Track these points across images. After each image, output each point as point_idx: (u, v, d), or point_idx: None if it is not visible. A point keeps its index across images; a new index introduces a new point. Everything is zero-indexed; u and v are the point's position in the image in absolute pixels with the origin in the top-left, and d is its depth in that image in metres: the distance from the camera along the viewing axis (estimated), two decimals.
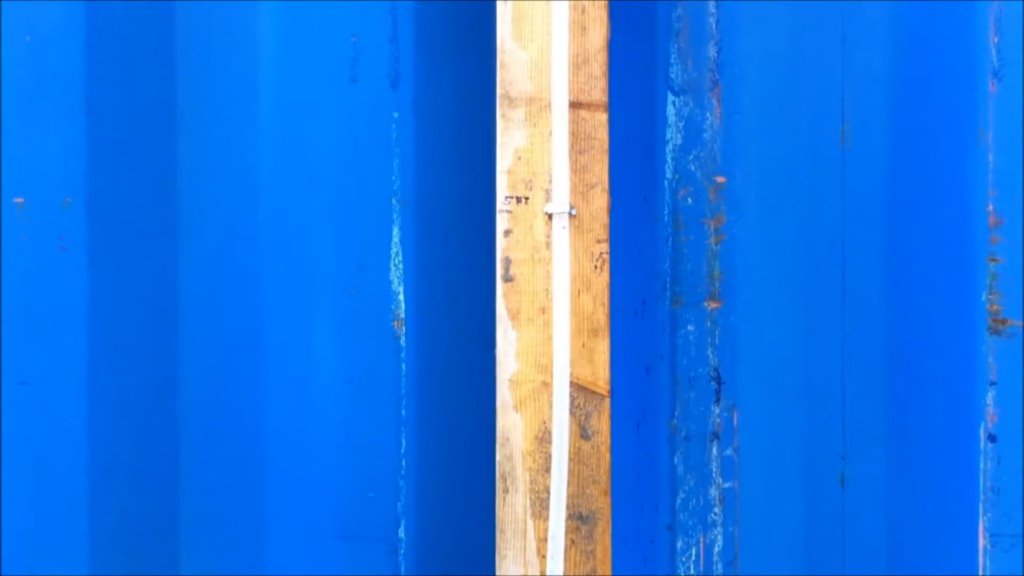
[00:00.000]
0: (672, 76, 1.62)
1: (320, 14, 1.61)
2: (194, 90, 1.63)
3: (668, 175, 1.64)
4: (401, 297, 1.63)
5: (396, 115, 1.61)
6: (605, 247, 1.47)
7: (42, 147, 1.61)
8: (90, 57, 1.61)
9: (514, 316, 1.46)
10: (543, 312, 1.46)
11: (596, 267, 1.47)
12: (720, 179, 1.62)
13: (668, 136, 1.63)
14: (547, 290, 1.45)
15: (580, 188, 1.46)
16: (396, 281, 1.63)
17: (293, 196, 1.62)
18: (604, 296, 1.47)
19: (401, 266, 1.62)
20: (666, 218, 1.64)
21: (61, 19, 1.60)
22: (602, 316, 1.47)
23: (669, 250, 1.64)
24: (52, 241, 1.61)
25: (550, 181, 1.45)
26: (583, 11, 1.45)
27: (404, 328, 1.63)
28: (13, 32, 1.61)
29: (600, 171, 1.47)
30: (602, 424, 1.47)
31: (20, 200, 1.61)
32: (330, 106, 1.62)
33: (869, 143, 1.61)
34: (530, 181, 1.46)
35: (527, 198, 1.46)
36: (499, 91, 1.46)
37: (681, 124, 1.63)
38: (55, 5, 1.61)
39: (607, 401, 1.47)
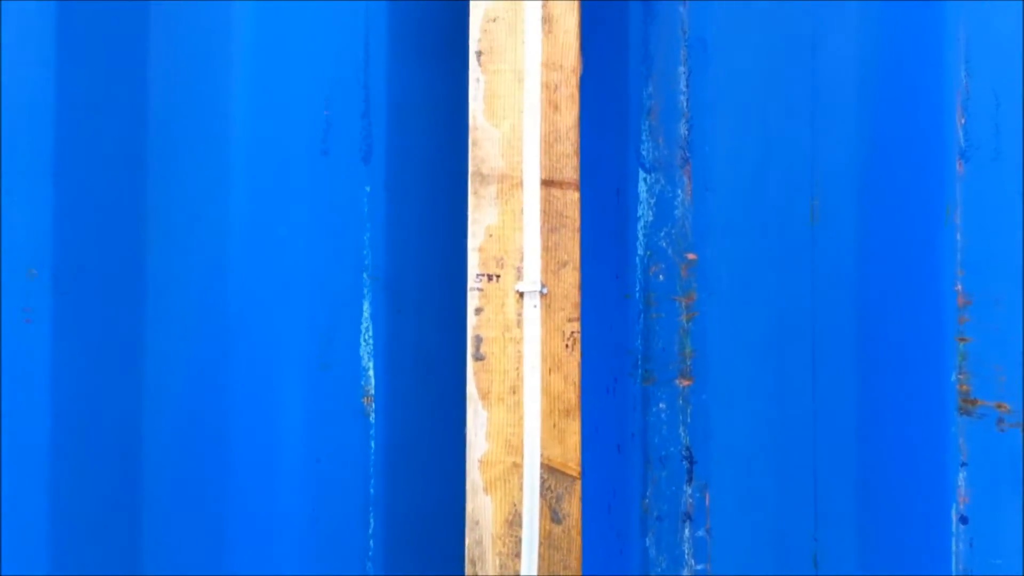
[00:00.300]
0: (643, 153, 1.62)
1: (292, 87, 1.61)
2: (165, 161, 1.62)
3: (640, 251, 1.63)
4: (371, 373, 1.61)
5: (368, 189, 1.61)
6: (576, 326, 1.46)
7: (8, 217, 1.58)
8: (59, 126, 1.59)
9: (484, 395, 1.44)
10: (514, 392, 1.44)
11: (567, 346, 1.45)
12: (691, 256, 1.62)
13: (640, 212, 1.63)
14: (518, 369, 1.44)
15: (551, 266, 1.45)
16: (366, 356, 1.61)
17: (263, 268, 1.61)
18: (575, 376, 1.46)
19: (371, 341, 1.61)
20: (637, 295, 1.63)
21: (31, 87, 1.59)
22: (573, 396, 1.45)
23: (640, 327, 1.63)
24: (17, 314, 1.59)
25: (521, 259, 1.44)
26: (555, 89, 1.46)
27: (373, 404, 1.61)
28: None
29: (572, 249, 1.47)
30: (573, 507, 1.44)
31: None
32: (301, 179, 1.61)
33: (838, 221, 1.62)
34: (501, 259, 1.45)
35: (498, 276, 1.45)
36: (471, 168, 1.46)
37: (652, 201, 1.63)
38: (25, 73, 1.59)
39: (578, 483, 1.44)
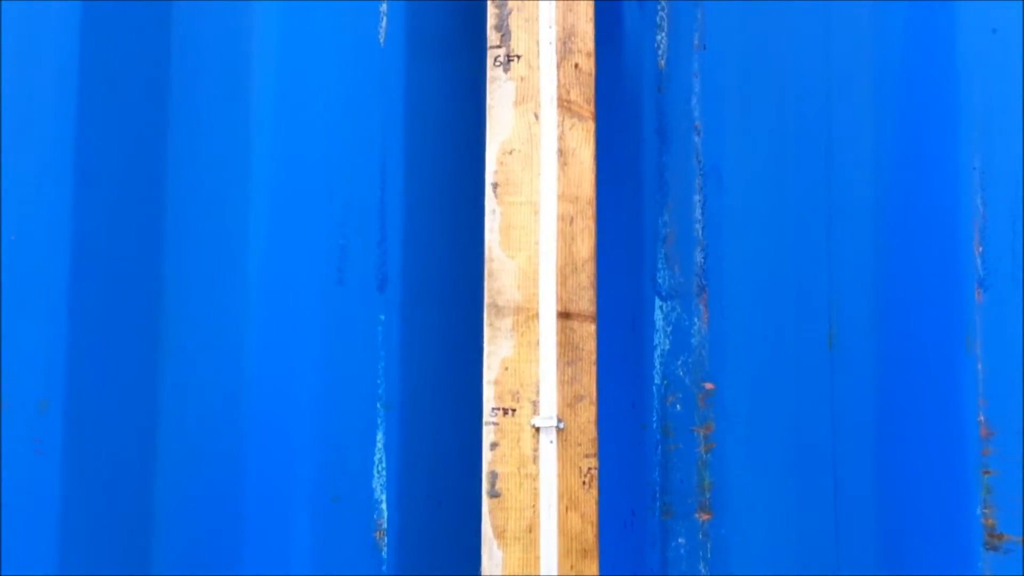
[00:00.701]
0: (659, 281, 1.61)
1: (309, 216, 1.60)
2: (180, 291, 1.61)
3: (657, 381, 1.61)
4: (384, 506, 1.56)
5: (382, 318, 1.59)
6: (594, 462, 1.42)
7: (22, 350, 1.56)
8: (75, 261, 1.57)
9: (500, 534, 1.40)
10: (530, 531, 1.39)
11: (584, 483, 1.41)
12: (709, 385, 1.59)
13: (656, 341, 1.60)
14: (534, 507, 1.39)
15: (568, 400, 1.42)
16: (379, 489, 1.56)
17: (276, 399, 1.58)
18: (593, 515, 1.41)
19: (385, 473, 1.57)
20: (655, 425, 1.60)
21: (47, 220, 1.57)
22: (591, 536, 1.41)
23: (659, 458, 1.60)
24: (28, 444, 1.55)
25: (537, 392, 1.42)
26: (571, 221, 1.45)
27: (386, 539, 1.56)
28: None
29: (588, 383, 1.44)
30: None
31: None
32: (316, 307, 1.59)
33: (856, 349, 1.59)
34: (517, 392, 1.42)
35: (514, 410, 1.42)
36: (487, 299, 1.44)
37: (669, 329, 1.61)
38: (41, 204, 1.58)
39: None
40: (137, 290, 1.59)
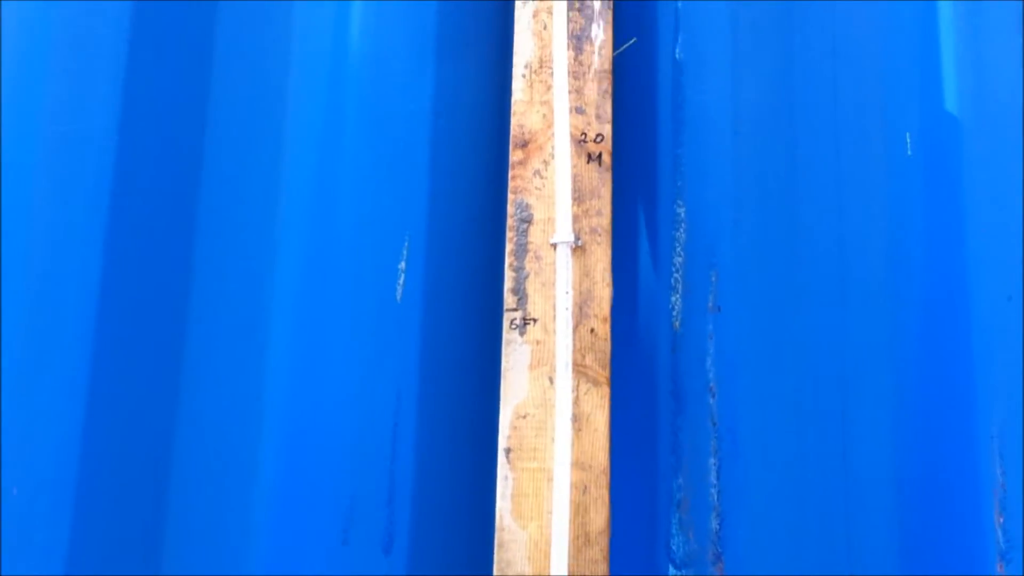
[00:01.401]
0: (673, 548, 1.55)
1: (316, 470, 1.53)
2: (182, 530, 1.54)
3: None
4: None
5: None
6: None
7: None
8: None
9: None
10: None
11: None
12: None
13: None
14: None
15: None
16: None
17: None
18: None
19: None
20: None
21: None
22: None
23: None
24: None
25: None
26: (584, 491, 1.40)
27: None
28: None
29: None
30: None
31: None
32: (320, 566, 1.51)
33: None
34: None
35: None
36: (496, 572, 1.37)
37: None
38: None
39: None
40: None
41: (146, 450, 1.55)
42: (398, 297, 1.56)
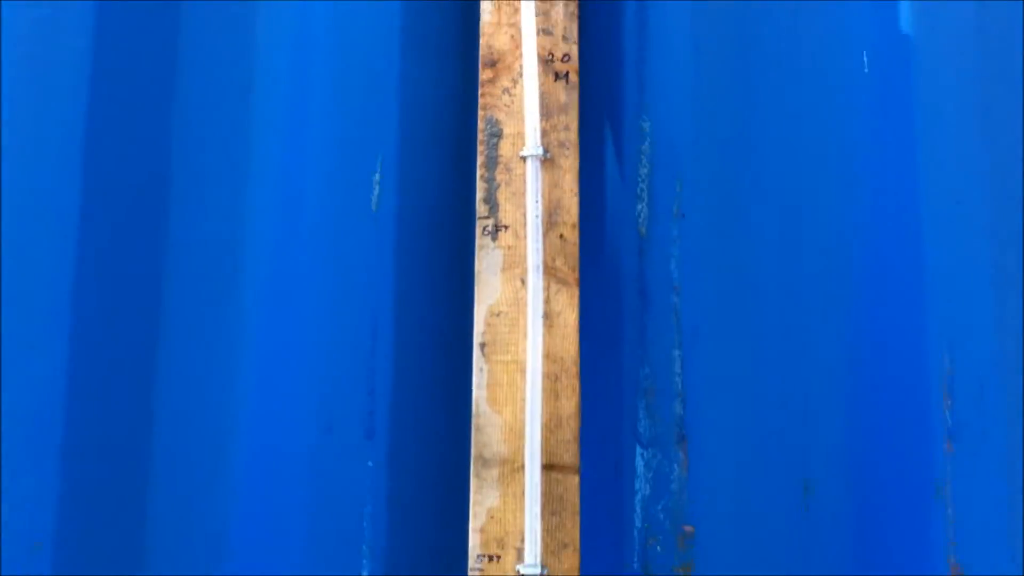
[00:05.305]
0: (641, 431, 1.70)
1: (299, 365, 1.67)
2: (167, 454, 1.66)
3: (638, 524, 1.68)
4: None
5: (370, 464, 1.66)
6: None
7: (13, 494, 1.60)
8: (69, 404, 1.63)
9: None
10: None
11: None
12: (688, 528, 1.67)
13: (637, 487, 1.69)
14: None
15: (552, 547, 1.50)
16: None
17: (261, 543, 1.64)
18: None
19: None
20: (636, 566, 1.67)
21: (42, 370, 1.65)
22: None
23: None
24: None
25: (522, 540, 1.50)
26: (556, 380, 1.55)
27: None
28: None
29: (572, 531, 1.52)
30: None
31: None
32: (304, 452, 1.65)
33: (832, 497, 1.66)
34: (502, 540, 1.50)
35: (499, 556, 1.50)
36: (474, 452, 1.53)
37: (650, 475, 1.69)
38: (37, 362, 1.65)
39: None
40: (125, 455, 1.65)
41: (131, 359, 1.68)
42: (374, 207, 1.70)
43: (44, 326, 1.64)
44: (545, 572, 1.49)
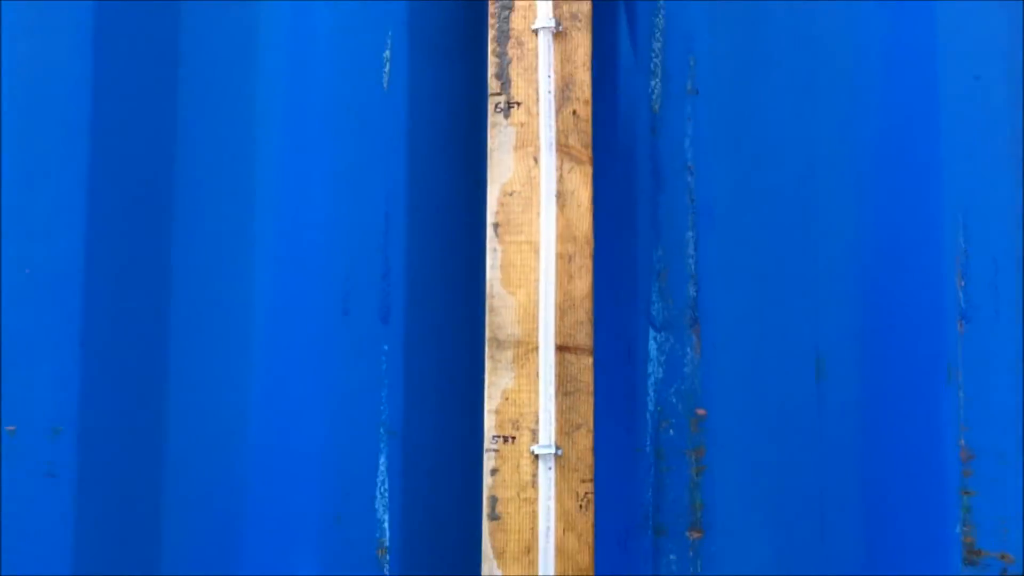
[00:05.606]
0: (654, 313, 1.68)
1: (314, 250, 1.67)
2: (187, 322, 1.68)
3: (651, 407, 1.68)
4: (386, 525, 1.64)
5: (386, 348, 1.66)
6: (590, 487, 1.50)
7: (36, 378, 1.62)
8: (88, 292, 1.64)
9: (499, 555, 1.48)
10: (528, 551, 1.47)
11: (581, 507, 1.49)
12: (701, 411, 1.67)
13: (650, 370, 1.68)
14: (532, 529, 1.48)
15: (566, 429, 1.50)
16: (381, 509, 1.64)
17: (282, 422, 1.66)
18: (589, 536, 1.49)
19: (387, 494, 1.64)
20: (648, 449, 1.68)
21: (60, 251, 1.64)
22: (587, 556, 1.48)
23: (652, 480, 1.67)
24: (41, 468, 1.62)
25: (536, 422, 1.50)
26: (569, 260, 1.53)
27: (388, 556, 1.64)
28: (12, 263, 1.64)
29: (585, 412, 1.51)
30: None
31: (12, 428, 1.63)
32: (321, 337, 1.66)
33: (843, 378, 1.67)
34: (517, 421, 1.50)
35: (514, 438, 1.50)
36: (488, 334, 1.52)
37: (663, 359, 1.68)
38: (54, 240, 1.64)
39: None
40: (144, 317, 1.66)
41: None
42: (385, 85, 1.67)
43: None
44: (559, 452, 1.50)
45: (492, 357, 1.52)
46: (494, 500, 1.49)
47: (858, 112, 1.68)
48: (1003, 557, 1.57)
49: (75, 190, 1.65)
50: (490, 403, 1.50)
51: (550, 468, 1.48)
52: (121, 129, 1.68)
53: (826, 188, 1.68)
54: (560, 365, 1.50)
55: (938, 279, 1.67)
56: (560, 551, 1.47)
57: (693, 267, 1.67)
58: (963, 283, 1.67)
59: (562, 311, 1.51)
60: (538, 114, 1.51)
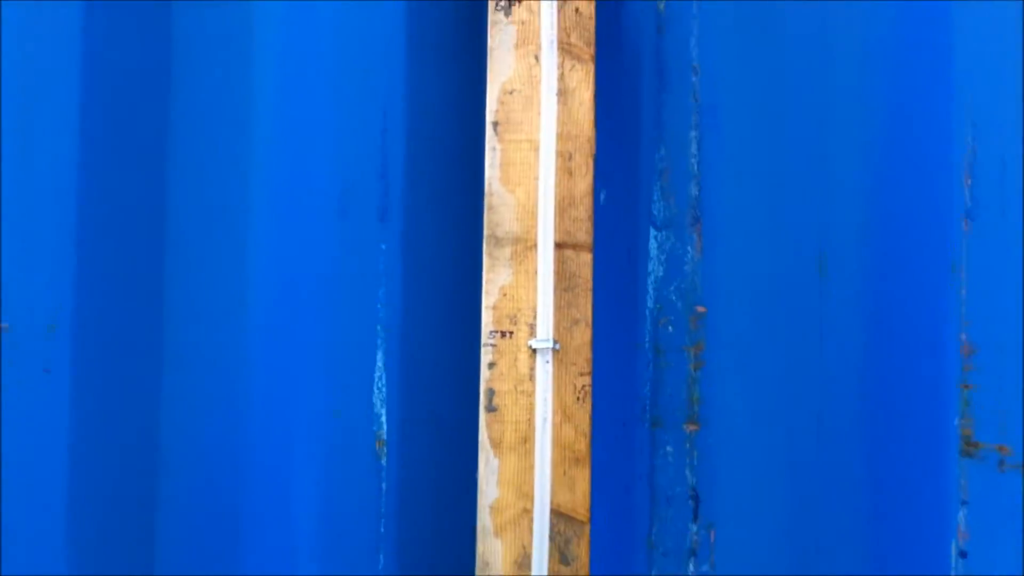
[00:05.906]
0: (655, 212, 1.70)
1: (311, 149, 1.68)
2: (183, 222, 1.70)
3: (650, 304, 1.71)
4: (383, 419, 1.68)
5: (383, 247, 1.68)
6: (588, 379, 1.54)
7: (30, 274, 1.64)
8: (81, 189, 1.65)
9: (496, 445, 1.53)
10: (525, 441, 1.53)
11: (579, 399, 1.54)
12: (700, 308, 1.69)
13: (650, 268, 1.70)
14: (529, 420, 1.52)
15: (564, 324, 1.53)
16: (379, 403, 1.68)
17: (280, 320, 1.69)
18: (586, 426, 1.54)
19: (384, 389, 1.68)
20: (647, 345, 1.71)
21: (52, 151, 1.65)
22: (583, 446, 1.54)
23: (650, 375, 1.71)
24: (36, 365, 1.64)
25: (535, 317, 1.53)
26: (569, 158, 1.54)
27: (386, 449, 1.69)
28: (8, 162, 1.66)
29: (584, 307, 1.55)
30: (581, 550, 1.53)
31: (6, 325, 1.65)
32: (319, 236, 1.67)
33: (847, 275, 1.68)
34: (515, 316, 1.53)
35: (511, 332, 1.53)
36: (486, 231, 1.54)
37: (663, 257, 1.70)
38: (48, 136, 1.65)
39: (587, 527, 1.53)
40: (141, 220, 1.68)
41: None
42: None
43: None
44: (557, 347, 1.54)
45: (490, 254, 1.54)
46: (491, 392, 1.54)
47: (867, 9, 1.66)
48: (1000, 449, 1.60)
49: (69, 89, 1.65)
50: (488, 299, 1.54)
51: (548, 362, 1.52)
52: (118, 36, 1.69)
53: (832, 87, 1.66)
54: (559, 262, 1.53)
55: (945, 177, 1.66)
56: (557, 441, 1.52)
57: (696, 167, 1.67)
58: (970, 181, 1.66)
59: (561, 209, 1.53)
60: (539, 11, 1.51)
